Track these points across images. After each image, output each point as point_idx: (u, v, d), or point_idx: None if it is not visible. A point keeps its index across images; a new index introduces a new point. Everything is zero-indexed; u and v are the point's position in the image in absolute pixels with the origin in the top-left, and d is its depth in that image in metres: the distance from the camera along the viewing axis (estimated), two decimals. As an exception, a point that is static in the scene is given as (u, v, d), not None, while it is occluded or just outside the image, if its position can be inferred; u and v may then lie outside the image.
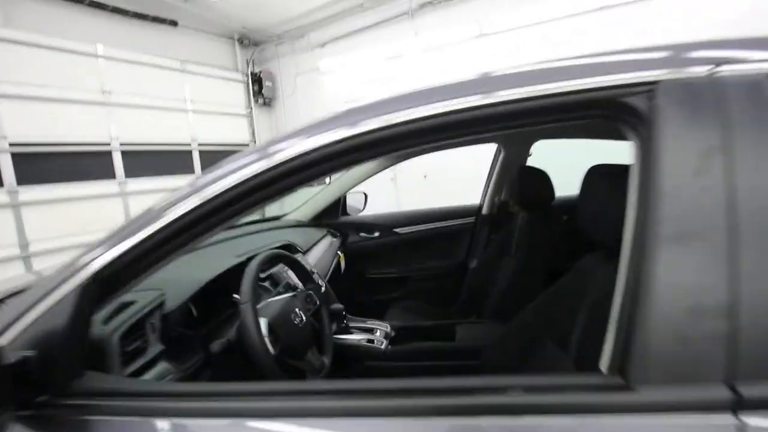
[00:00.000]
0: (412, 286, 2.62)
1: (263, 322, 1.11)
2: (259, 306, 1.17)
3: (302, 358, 1.24)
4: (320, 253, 2.22)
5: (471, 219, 2.66)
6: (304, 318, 1.26)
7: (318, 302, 1.44)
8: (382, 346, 1.66)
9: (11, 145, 4.05)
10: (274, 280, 1.53)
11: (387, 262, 2.69)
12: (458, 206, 2.74)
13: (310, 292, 1.43)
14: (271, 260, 1.42)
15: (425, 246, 2.67)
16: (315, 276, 1.71)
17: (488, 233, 2.60)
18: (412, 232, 2.65)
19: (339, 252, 2.47)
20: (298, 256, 1.78)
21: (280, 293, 1.41)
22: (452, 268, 2.62)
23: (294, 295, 1.34)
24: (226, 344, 1.12)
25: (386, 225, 2.65)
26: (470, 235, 2.65)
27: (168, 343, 1.04)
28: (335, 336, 1.65)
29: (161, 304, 1.08)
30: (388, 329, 1.83)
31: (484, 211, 2.62)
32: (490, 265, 2.19)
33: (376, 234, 2.67)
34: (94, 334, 0.81)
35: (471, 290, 2.35)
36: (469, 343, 1.65)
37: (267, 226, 2.23)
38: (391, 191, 5.49)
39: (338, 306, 1.71)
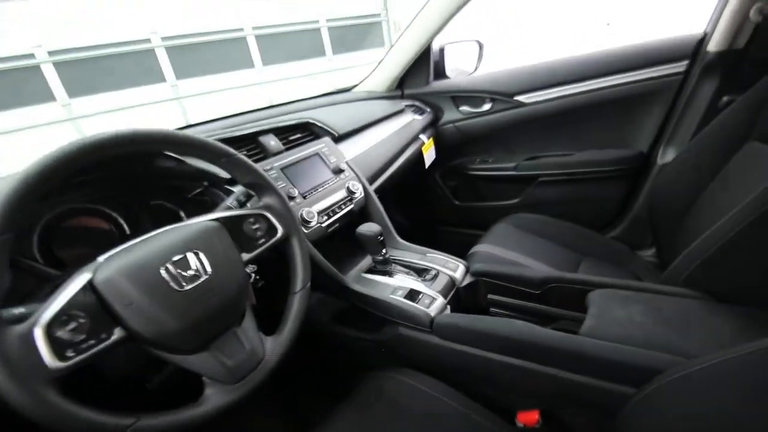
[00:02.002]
0: (538, 192, 1.64)
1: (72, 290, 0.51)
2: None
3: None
4: (387, 138, 1.44)
5: (672, 67, 1.36)
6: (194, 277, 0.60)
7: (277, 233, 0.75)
8: (431, 309, 0.91)
9: (163, 39, 4.24)
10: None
11: (501, 150, 1.72)
12: (646, 43, 1.44)
13: (257, 212, 0.74)
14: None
15: (571, 121, 1.56)
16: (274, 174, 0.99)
17: (714, 93, 1.30)
18: (552, 99, 1.54)
19: (422, 136, 1.63)
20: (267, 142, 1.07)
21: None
22: (621, 163, 1.49)
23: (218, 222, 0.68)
24: None
25: (505, 92, 1.61)
26: (670, 100, 1.40)
27: None
28: (354, 287, 0.98)
29: None
30: (460, 274, 1.04)
31: (712, 45, 1.28)
32: (709, 164, 1.04)
33: (486, 107, 1.67)
34: None
35: (652, 210, 1.25)
36: (611, 333, 0.74)
37: (316, 102, 1.52)
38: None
39: (370, 230, 0.99)
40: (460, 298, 1.02)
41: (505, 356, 0.80)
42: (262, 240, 0.72)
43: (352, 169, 1.17)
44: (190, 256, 0.60)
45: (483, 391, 0.87)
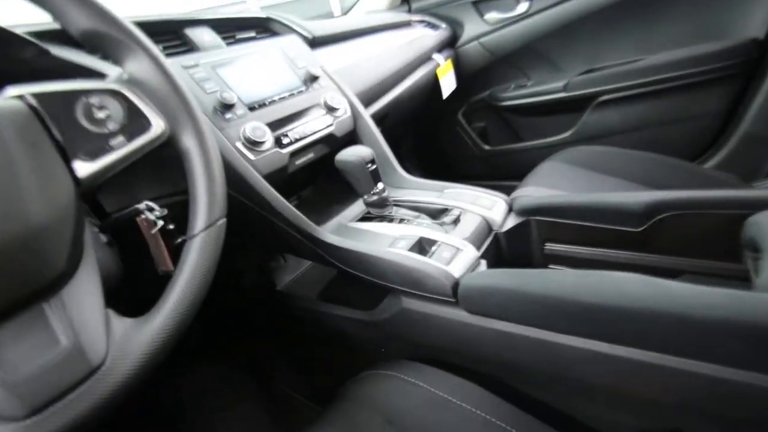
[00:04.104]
0: (598, 118, 1.22)
1: None
2: None
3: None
4: (385, 52, 1.06)
5: None
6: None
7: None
8: (452, 266, 0.55)
9: None
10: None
11: (544, 68, 1.30)
12: None
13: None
14: None
15: (639, 13, 1.12)
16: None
17: None
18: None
19: (436, 56, 1.24)
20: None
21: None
22: (720, 59, 1.05)
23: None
24: None
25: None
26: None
27: None
28: (329, 239, 0.64)
29: None
30: (499, 213, 0.67)
31: None
32: None
33: (522, 8, 1.25)
34: None
35: None
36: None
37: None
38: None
39: (355, 154, 0.64)
40: (501, 251, 0.66)
41: (596, 340, 0.43)
42: (118, 139, 0.38)
43: (333, 80, 0.81)
44: None
45: (543, 400, 0.51)
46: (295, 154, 0.69)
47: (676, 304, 0.37)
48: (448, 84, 1.28)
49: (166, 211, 0.58)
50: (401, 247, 0.58)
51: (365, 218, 0.71)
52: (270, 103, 0.69)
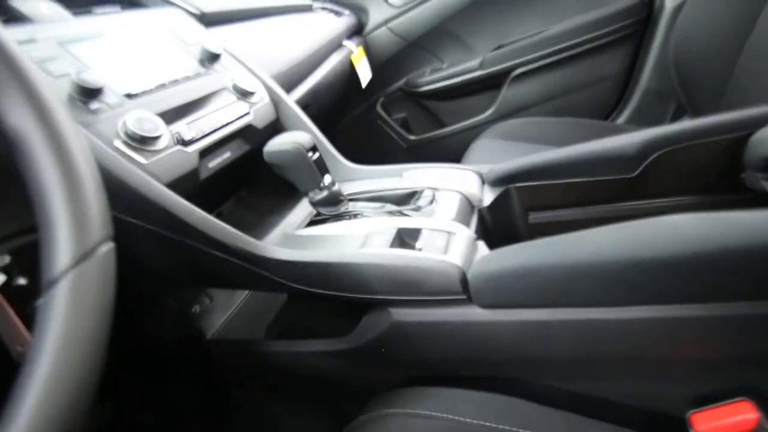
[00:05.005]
0: (516, 91, 1.22)
1: None
2: None
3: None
4: (292, 35, 0.92)
5: None
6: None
7: None
8: (450, 256, 0.43)
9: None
10: None
11: (456, 49, 1.28)
12: None
13: None
14: None
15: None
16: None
17: None
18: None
19: (347, 42, 1.13)
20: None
21: None
22: (616, 20, 1.11)
23: None
24: None
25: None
26: None
27: None
28: (277, 255, 0.48)
29: None
30: (475, 186, 0.57)
31: None
32: None
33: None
34: None
35: (679, 69, 0.88)
36: None
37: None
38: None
39: (291, 141, 0.49)
40: (486, 229, 0.56)
41: (651, 305, 0.34)
42: None
43: (240, 61, 0.64)
44: None
45: (586, 393, 0.42)
46: (206, 154, 0.52)
47: (751, 236, 0.30)
48: (364, 72, 1.18)
49: (7, 260, 0.37)
50: (379, 245, 0.44)
51: (315, 222, 0.56)
52: (158, 88, 0.50)
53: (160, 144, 0.45)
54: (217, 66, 0.60)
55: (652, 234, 0.33)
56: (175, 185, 0.45)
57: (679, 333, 0.35)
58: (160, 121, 0.46)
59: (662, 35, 1.06)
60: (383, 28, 1.26)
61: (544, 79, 1.20)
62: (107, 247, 0.24)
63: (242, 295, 0.67)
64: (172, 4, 0.66)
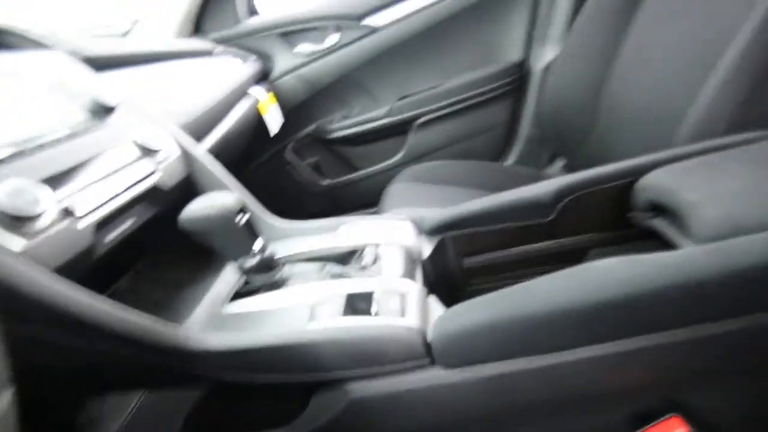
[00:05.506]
0: (422, 137, 1.32)
1: None
2: None
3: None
4: (195, 81, 0.84)
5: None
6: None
7: None
8: (407, 318, 0.41)
9: None
10: None
11: (364, 98, 1.33)
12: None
13: None
14: None
15: (436, 45, 1.27)
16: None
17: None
18: (409, 14, 1.21)
19: (253, 90, 1.09)
20: None
21: None
22: (497, 79, 1.28)
23: None
24: None
25: (350, 14, 1.21)
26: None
27: None
28: (206, 342, 0.41)
29: None
30: (412, 238, 0.57)
31: None
32: (604, 41, 0.87)
33: (331, 40, 1.24)
34: None
35: (553, 118, 1.05)
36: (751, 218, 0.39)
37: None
38: None
39: (217, 204, 0.43)
40: (429, 279, 0.56)
41: (600, 343, 0.37)
42: None
43: (141, 110, 0.56)
44: None
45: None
46: (103, 226, 0.43)
47: (683, 274, 0.35)
48: (274, 120, 1.14)
49: None
50: (330, 316, 0.41)
51: (244, 293, 0.49)
52: (38, 148, 0.40)
53: (44, 222, 0.35)
54: (112, 118, 0.51)
55: (591, 279, 0.36)
56: (64, 270, 0.36)
57: (625, 364, 0.38)
58: (43, 191, 0.37)
59: (535, 91, 1.24)
60: (290, 75, 1.25)
61: (445, 126, 1.31)
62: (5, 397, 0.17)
63: (137, 394, 0.54)
64: (49, 47, 0.56)
